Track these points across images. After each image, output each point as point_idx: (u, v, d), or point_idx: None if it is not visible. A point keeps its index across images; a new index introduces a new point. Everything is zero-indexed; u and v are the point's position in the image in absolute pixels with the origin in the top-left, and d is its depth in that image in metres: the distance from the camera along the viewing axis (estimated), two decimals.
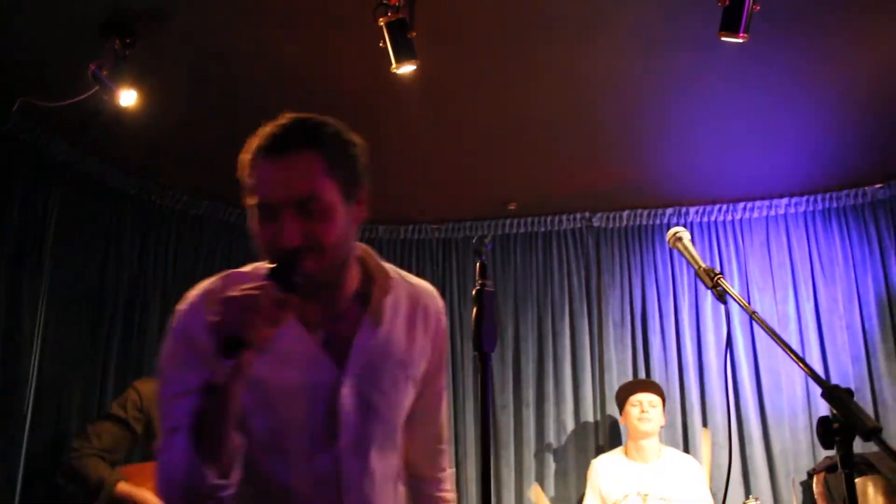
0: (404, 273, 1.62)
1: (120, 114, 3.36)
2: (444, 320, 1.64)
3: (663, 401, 4.24)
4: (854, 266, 4.64)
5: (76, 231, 4.04)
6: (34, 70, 3.40)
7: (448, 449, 1.73)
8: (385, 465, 1.52)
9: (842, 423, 1.35)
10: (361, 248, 1.53)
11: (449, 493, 1.71)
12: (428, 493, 1.68)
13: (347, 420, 1.45)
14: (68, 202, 3.97)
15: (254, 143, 1.38)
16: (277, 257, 1.33)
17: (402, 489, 1.62)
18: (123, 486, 3.17)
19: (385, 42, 2.90)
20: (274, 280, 1.29)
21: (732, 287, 4.77)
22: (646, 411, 4.09)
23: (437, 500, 1.69)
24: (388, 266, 1.57)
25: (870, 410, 4.36)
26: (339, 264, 1.42)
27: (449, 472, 1.73)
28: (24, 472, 3.49)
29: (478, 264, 1.63)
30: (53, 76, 3.39)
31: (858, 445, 1.34)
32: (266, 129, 1.38)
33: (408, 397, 1.56)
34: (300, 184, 1.33)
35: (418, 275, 1.65)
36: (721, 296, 1.83)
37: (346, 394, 1.45)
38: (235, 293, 1.26)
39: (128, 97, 3.21)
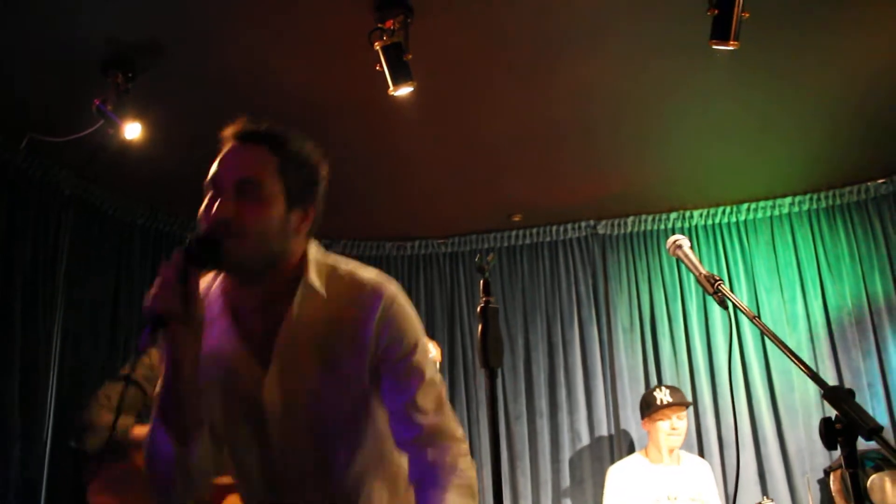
0: (354, 267, 1.56)
1: (126, 145, 3.42)
2: (392, 308, 1.51)
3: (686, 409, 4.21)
4: (861, 262, 4.63)
5: (88, 261, 4.10)
6: (40, 107, 3.47)
7: (440, 419, 1.52)
8: (345, 455, 1.51)
9: (843, 423, 1.37)
10: (314, 248, 1.54)
11: (443, 456, 1.50)
12: (417, 461, 1.51)
13: (273, 417, 1.48)
14: (79, 233, 4.05)
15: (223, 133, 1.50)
16: (200, 231, 1.41)
17: (390, 471, 1.57)
18: (140, 430, 2.90)
19: (381, 65, 2.93)
20: (186, 253, 1.35)
21: (740, 288, 4.82)
22: (676, 428, 4.07)
23: (429, 465, 1.49)
24: (335, 260, 1.56)
25: (884, 406, 4.36)
26: (264, 258, 1.44)
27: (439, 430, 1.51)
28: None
29: (481, 282, 1.66)
30: (59, 112, 3.45)
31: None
32: (236, 123, 1.51)
33: (340, 390, 1.48)
34: (245, 168, 1.44)
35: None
36: (722, 301, 1.85)
37: (269, 391, 1.47)
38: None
39: (132, 130, 3.26)
